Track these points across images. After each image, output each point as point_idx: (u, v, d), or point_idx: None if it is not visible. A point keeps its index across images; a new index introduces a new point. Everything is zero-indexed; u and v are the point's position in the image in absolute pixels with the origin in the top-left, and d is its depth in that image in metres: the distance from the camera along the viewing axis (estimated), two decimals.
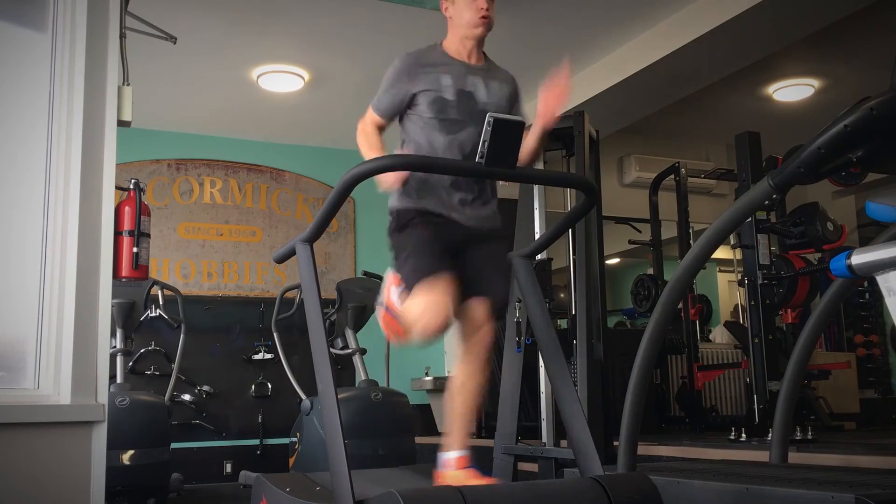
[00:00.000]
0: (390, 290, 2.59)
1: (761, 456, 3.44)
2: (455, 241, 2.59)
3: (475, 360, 2.57)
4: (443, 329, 2.42)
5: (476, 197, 2.63)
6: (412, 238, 2.56)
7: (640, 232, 7.06)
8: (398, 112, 2.67)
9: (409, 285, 2.45)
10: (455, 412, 2.57)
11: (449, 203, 2.60)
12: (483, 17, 2.61)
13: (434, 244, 2.53)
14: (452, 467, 2.51)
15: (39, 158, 2.69)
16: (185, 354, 5.20)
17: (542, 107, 2.48)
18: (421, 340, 2.48)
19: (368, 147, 2.62)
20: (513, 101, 2.73)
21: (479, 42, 2.68)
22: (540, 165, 4.47)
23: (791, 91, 6.69)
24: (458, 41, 2.67)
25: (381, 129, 2.69)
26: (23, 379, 2.59)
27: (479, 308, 2.58)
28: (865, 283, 5.88)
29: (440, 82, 2.60)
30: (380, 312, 2.67)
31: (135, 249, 3.12)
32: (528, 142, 2.57)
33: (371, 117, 2.69)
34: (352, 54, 5.44)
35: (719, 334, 7.44)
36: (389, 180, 2.50)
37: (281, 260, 2.40)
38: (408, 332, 2.49)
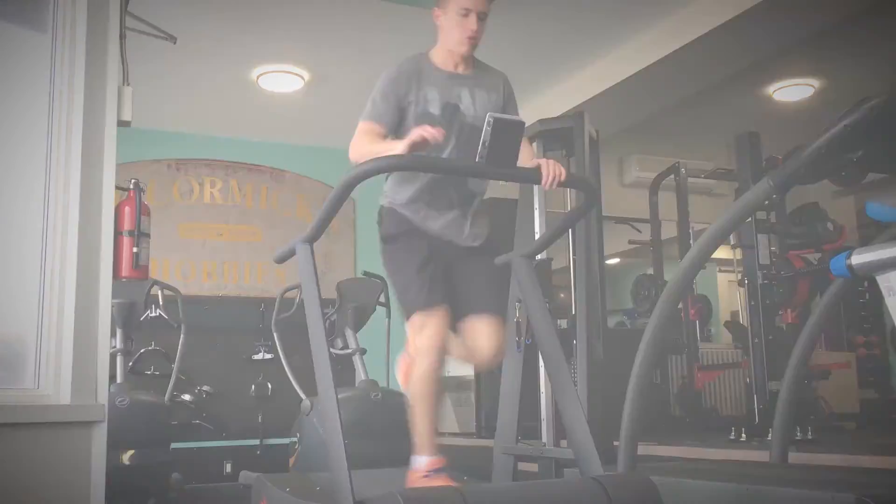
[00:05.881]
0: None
1: (761, 456, 3.44)
2: (446, 258, 2.57)
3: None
4: (441, 357, 2.46)
5: (463, 213, 2.59)
6: (404, 255, 2.53)
7: (640, 232, 7.06)
8: (397, 119, 2.51)
9: (408, 313, 2.48)
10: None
11: (439, 220, 2.56)
12: (469, 37, 2.55)
13: (427, 263, 2.51)
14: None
15: (39, 158, 2.69)
16: (185, 354, 5.19)
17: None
18: (426, 372, 2.42)
19: (372, 148, 2.37)
20: (502, 106, 2.65)
21: (467, 55, 2.63)
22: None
23: (791, 91, 6.69)
24: (445, 51, 2.62)
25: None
26: (23, 379, 2.60)
27: (487, 341, 2.54)
28: (865, 283, 5.87)
29: (426, 96, 2.54)
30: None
31: (135, 249, 3.13)
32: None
33: (367, 128, 2.49)
34: (352, 54, 5.43)
35: None
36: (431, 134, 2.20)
37: (281, 260, 2.40)
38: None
